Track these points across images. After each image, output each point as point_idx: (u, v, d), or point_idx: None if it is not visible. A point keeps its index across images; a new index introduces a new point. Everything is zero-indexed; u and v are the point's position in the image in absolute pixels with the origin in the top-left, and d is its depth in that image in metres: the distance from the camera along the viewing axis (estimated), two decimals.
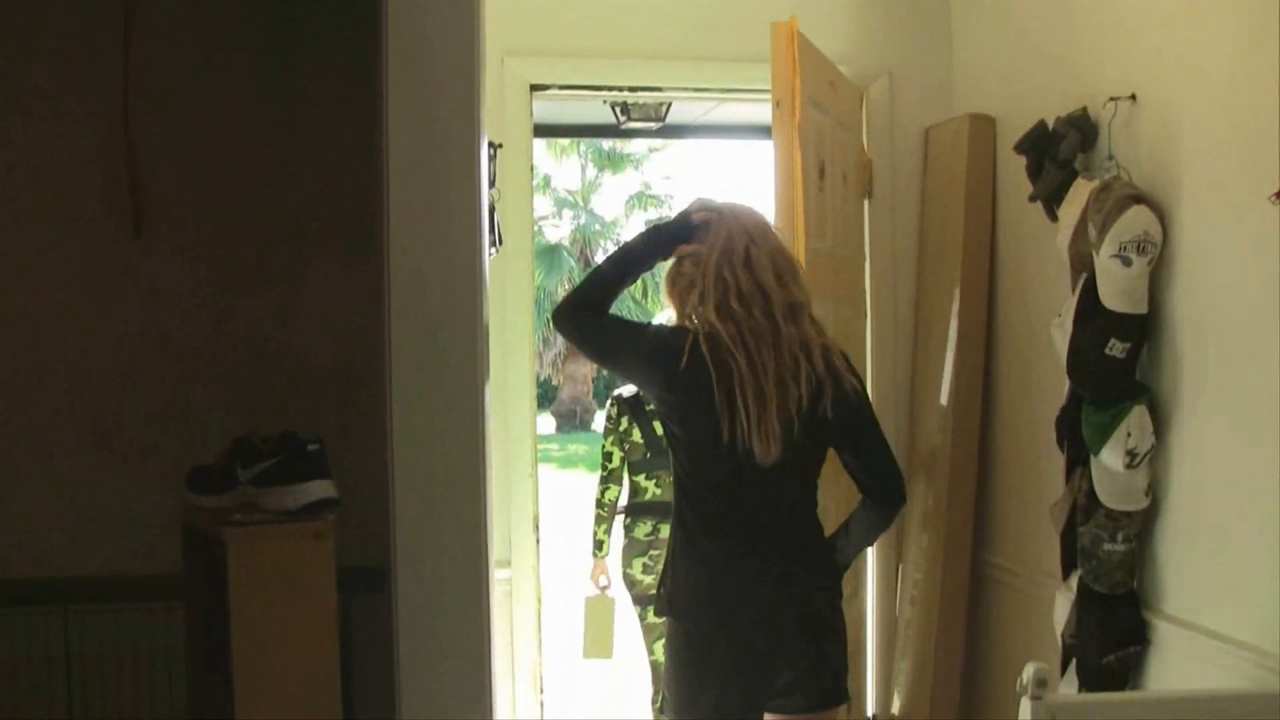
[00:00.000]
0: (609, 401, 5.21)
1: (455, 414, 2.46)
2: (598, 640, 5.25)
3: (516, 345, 4.44)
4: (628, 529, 5.09)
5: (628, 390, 5.00)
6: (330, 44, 3.34)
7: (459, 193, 2.43)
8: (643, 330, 3.22)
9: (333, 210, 3.33)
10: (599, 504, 5.14)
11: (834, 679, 3.09)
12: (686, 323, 3.11)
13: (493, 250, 3.34)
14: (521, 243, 4.43)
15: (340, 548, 2.46)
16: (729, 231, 3.08)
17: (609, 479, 5.11)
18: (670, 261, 3.16)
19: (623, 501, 5.16)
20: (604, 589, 5.22)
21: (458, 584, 2.48)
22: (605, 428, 5.16)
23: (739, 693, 3.03)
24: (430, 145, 2.45)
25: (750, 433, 2.94)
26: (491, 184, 3.26)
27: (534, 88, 4.46)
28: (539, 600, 4.58)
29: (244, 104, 3.40)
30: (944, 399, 4.43)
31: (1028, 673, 2.56)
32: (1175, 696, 3.09)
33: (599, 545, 5.19)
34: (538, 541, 4.46)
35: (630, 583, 5.06)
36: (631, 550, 5.05)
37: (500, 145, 3.41)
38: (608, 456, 5.11)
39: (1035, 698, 2.55)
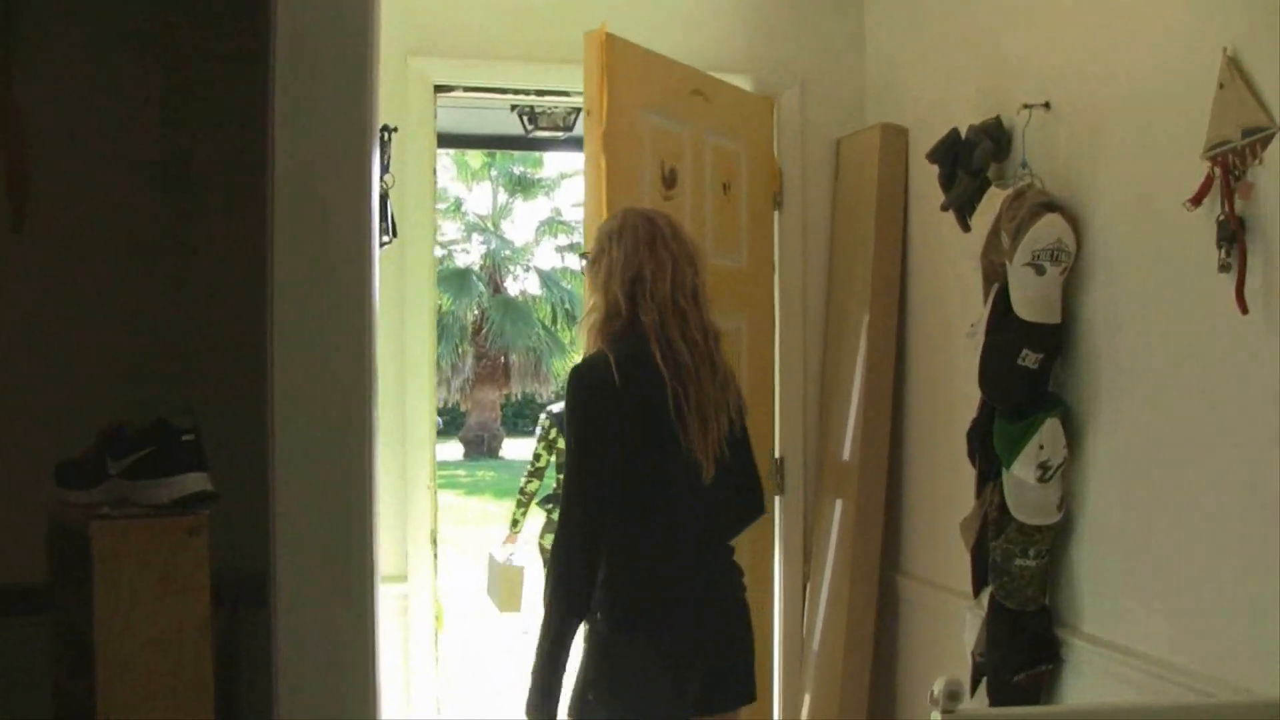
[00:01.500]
0: (543, 414, 6.74)
1: (342, 411, 2.32)
2: (509, 599, 7.08)
3: (416, 358, 4.29)
4: (549, 513, 6.60)
5: (558, 408, 6.02)
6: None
7: (348, 174, 2.30)
8: (600, 413, 3.07)
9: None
10: (521, 491, 6.77)
11: (752, 675, 3.25)
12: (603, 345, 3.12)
13: (385, 240, 3.21)
14: (422, 252, 4.29)
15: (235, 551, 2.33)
16: (674, 257, 3.12)
17: (534, 475, 6.68)
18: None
19: (546, 493, 6.69)
20: (509, 558, 6.97)
21: (341, 594, 2.35)
22: (538, 434, 6.65)
23: (699, 690, 3.10)
24: (319, 122, 2.32)
25: (696, 452, 3.06)
26: (385, 170, 3.14)
27: (438, 88, 4.33)
28: (438, 618, 4.44)
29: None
30: (845, 454, 4.36)
31: (938, 685, 2.46)
32: (1084, 710, 3.02)
33: (514, 523, 6.94)
34: (435, 556, 4.31)
35: (542, 551, 6.62)
36: (547, 528, 6.49)
37: (395, 129, 3.28)
38: (536, 457, 6.63)
39: (946, 711, 2.46)
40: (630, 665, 3.05)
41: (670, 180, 4.09)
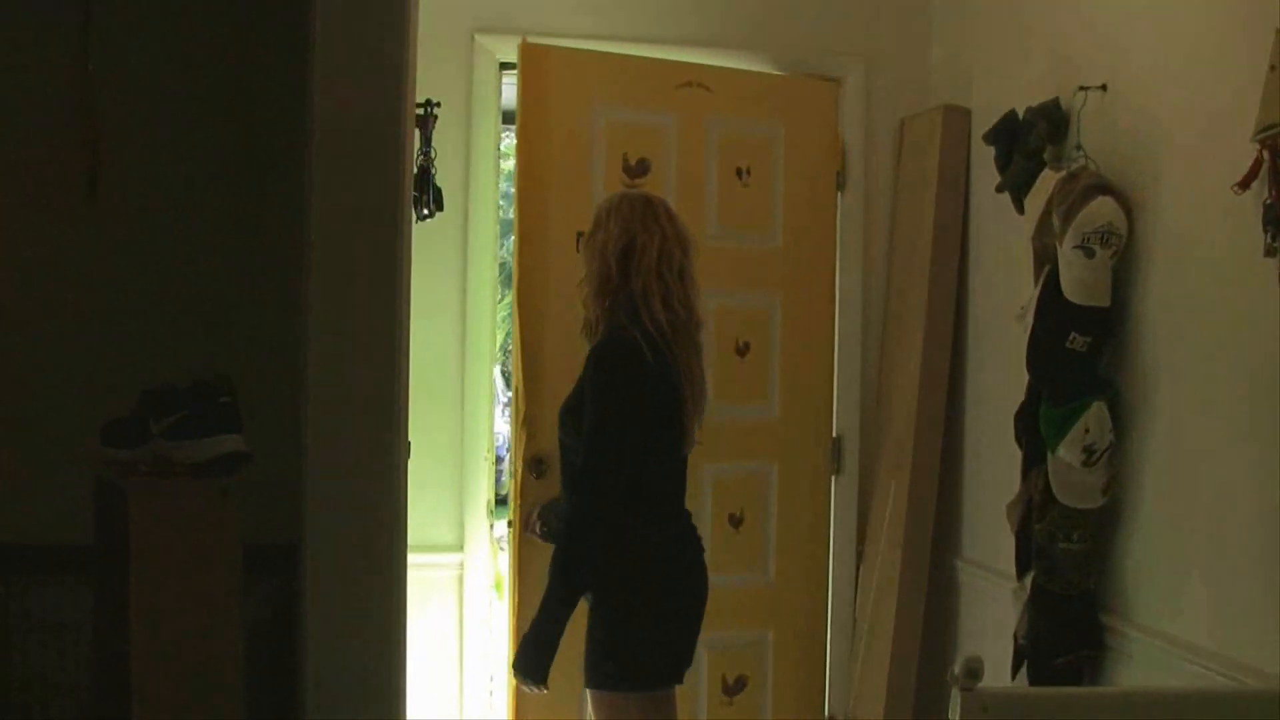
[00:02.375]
0: None
1: (371, 375, 2.40)
2: None
3: (476, 330, 4.34)
4: None
5: None
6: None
7: (382, 142, 2.36)
8: (633, 394, 3.31)
9: None
10: None
11: None
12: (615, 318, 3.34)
13: (427, 213, 3.29)
14: (485, 223, 4.35)
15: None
16: (664, 235, 3.34)
17: None
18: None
19: None
20: None
21: (368, 560, 2.44)
22: None
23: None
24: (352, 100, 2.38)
25: (689, 423, 3.41)
26: (427, 144, 3.21)
27: (503, 66, 4.38)
28: (496, 586, 4.51)
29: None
30: (902, 435, 4.39)
31: (958, 664, 2.48)
32: (1111, 693, 3.03)
33: None
34: (491, 527, 4.37)
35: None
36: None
37: (439, 104, 3.34)
38: None
39: (965, 689, 2.47)
40: (651, 631, 3.25)
41: (638, 169, 4.29)
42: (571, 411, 3.37)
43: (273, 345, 2.71)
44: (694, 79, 4.40)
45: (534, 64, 4.20)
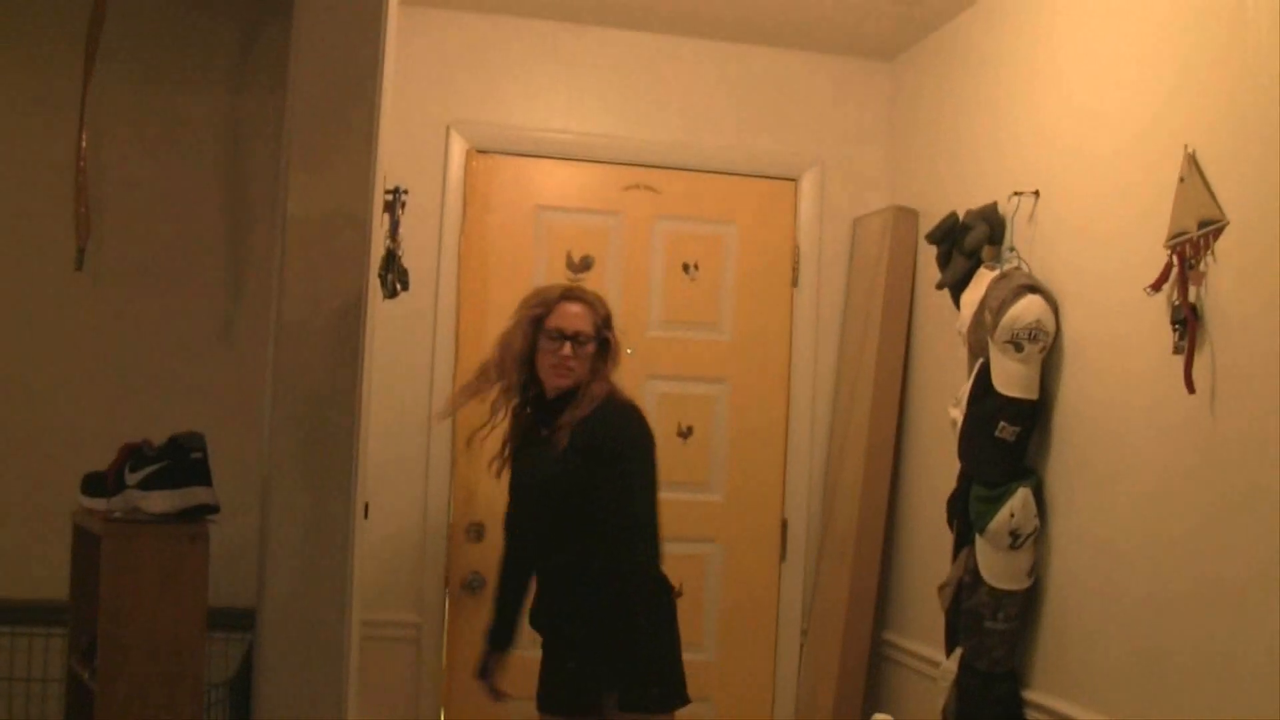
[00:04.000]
0: None
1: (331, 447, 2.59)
2: None
3: (442, 395, 4.54)
4: None
5: None
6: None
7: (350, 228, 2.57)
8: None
9: None
10: None
11: None
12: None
13: (393, 293, 3.50)
14: (450, 302, 4.56)
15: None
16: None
17: None
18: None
19: None
20: None
21: (319, 624, 2.61)
22: None
23: None
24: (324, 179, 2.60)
25: None
26: (396, 229, 3.44)
27: (480, 152, 4.62)
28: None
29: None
30: (846, 521, 4.56)
31: None
32: None
33: None
34: (446, 598, 4.53)
35: None
36: None
37: (406, 191, 3.57)
38: None
39: None
40: (677, 652, 3.66)
41: (581, 265, 4.68)
42: (582, 469, 3.57)
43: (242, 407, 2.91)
44: (641, 182, 4.75)
45: (480, 171, 4.60)
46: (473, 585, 4.50)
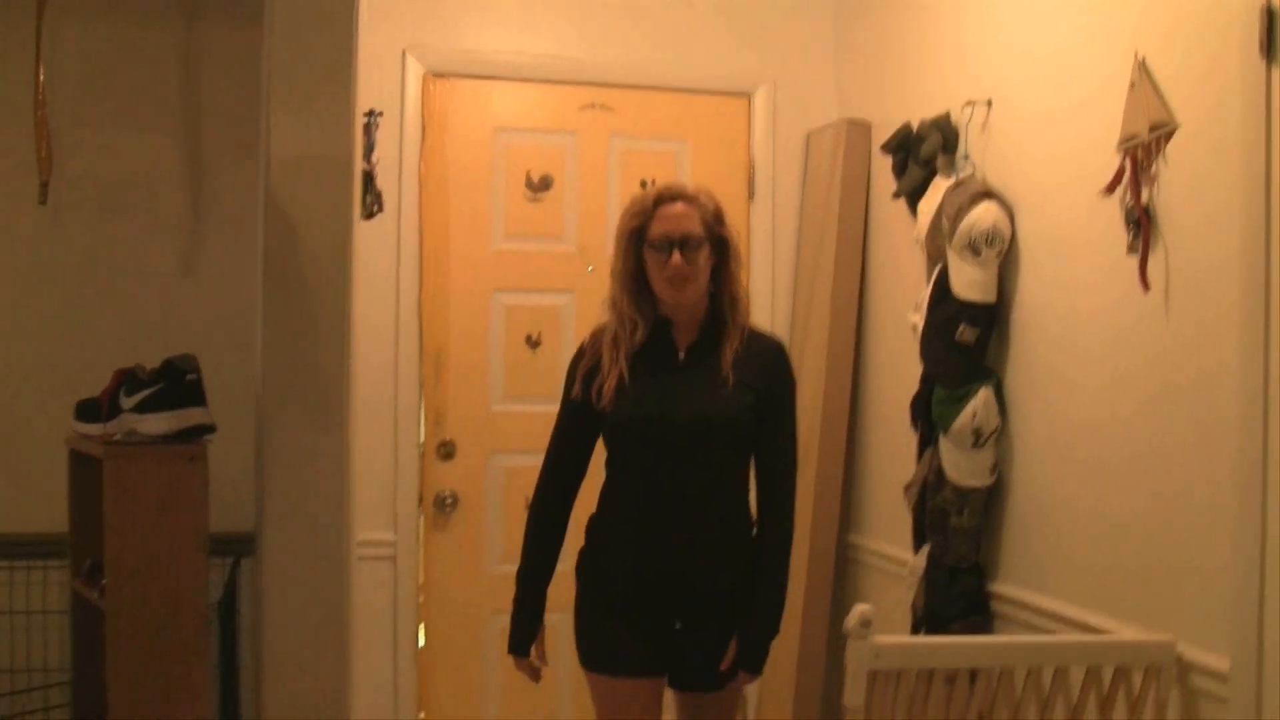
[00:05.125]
0: None
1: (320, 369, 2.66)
2: None
3: (407, 316, 4.59)
4: None
5: None
6: None
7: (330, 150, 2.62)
8: None
9: None
10: None
11: None
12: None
13: (375, 212, 3.54)
14: (413, 224, 4.60)
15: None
16: None
17: None
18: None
19: None
20: None
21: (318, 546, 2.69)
22: None
23: None
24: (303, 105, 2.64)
25: None
26: (371, 151, 3.47)
27: (437, 76, 4.65)
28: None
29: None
30: (809, 426, 4.65)
31: (854, 614, 2.76)
32: (995, 641, 3.34)
33: None
34: (420, 516, 4.61)
35: None
36: None
37: (380, 113, 3.60)
38: None
39: (859, 638, 2.76)
40: None
41: (540, 185, 4.77)
42: (753, 409, 3.15)
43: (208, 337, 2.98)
44: (596, 101, 4.81)
45: (437, 94, 4.62)
46: (445, 503, 4.59)
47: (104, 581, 2.46)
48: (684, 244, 3.09)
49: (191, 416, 2.56)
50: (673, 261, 3.07)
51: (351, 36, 2.73)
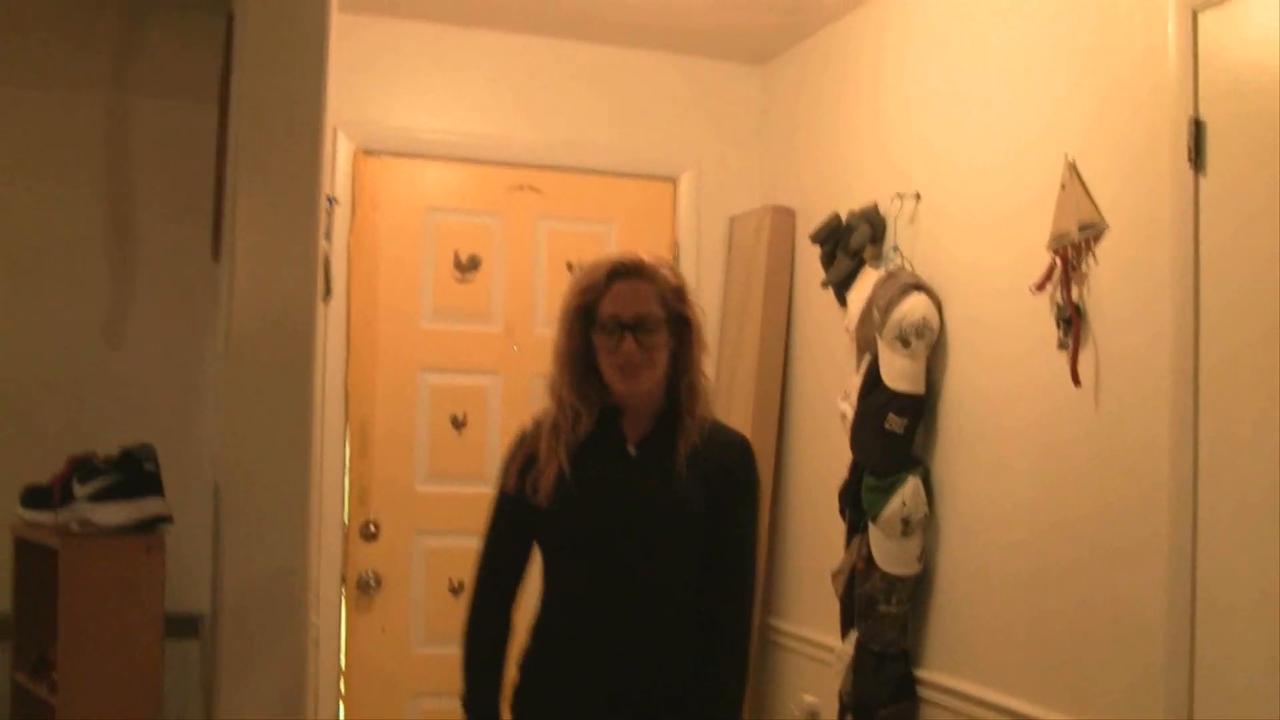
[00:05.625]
0: None
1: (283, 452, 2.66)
2: None
3: (333, 398, 4.59)
4: None
5: None
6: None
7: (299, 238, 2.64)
8: None
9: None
10: None
11: None
12: None
13: (328, 295, 3.54)
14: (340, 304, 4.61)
15: None
16: None
17: None
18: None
19: None
20: None
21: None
22: None
23: None
24: (272, 191, 2.66)
25: None
26: (325, 236, 3.48)
27: (368, 153, 4.67)
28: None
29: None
30: None
31: (802, 704, 2.80)
32: None
33: None
34: (343, 597, 4.58)
35: None
36: None
37: (336, 200, 3.61)
38: None
39: None
40: None
41: (469, 265, 4.82)
42: (706, 504, 2.75)
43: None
44: (525, 182, 4.88)
45: (368, 172, 4.67)
46: (368, 584, 4.56)
47: (54, 675, 2.42)
48: (638, 326, 2.69)
49: (149, 507, 2.54)
50: (624, 348, 2.68)
51: (320, 116, 2.75)
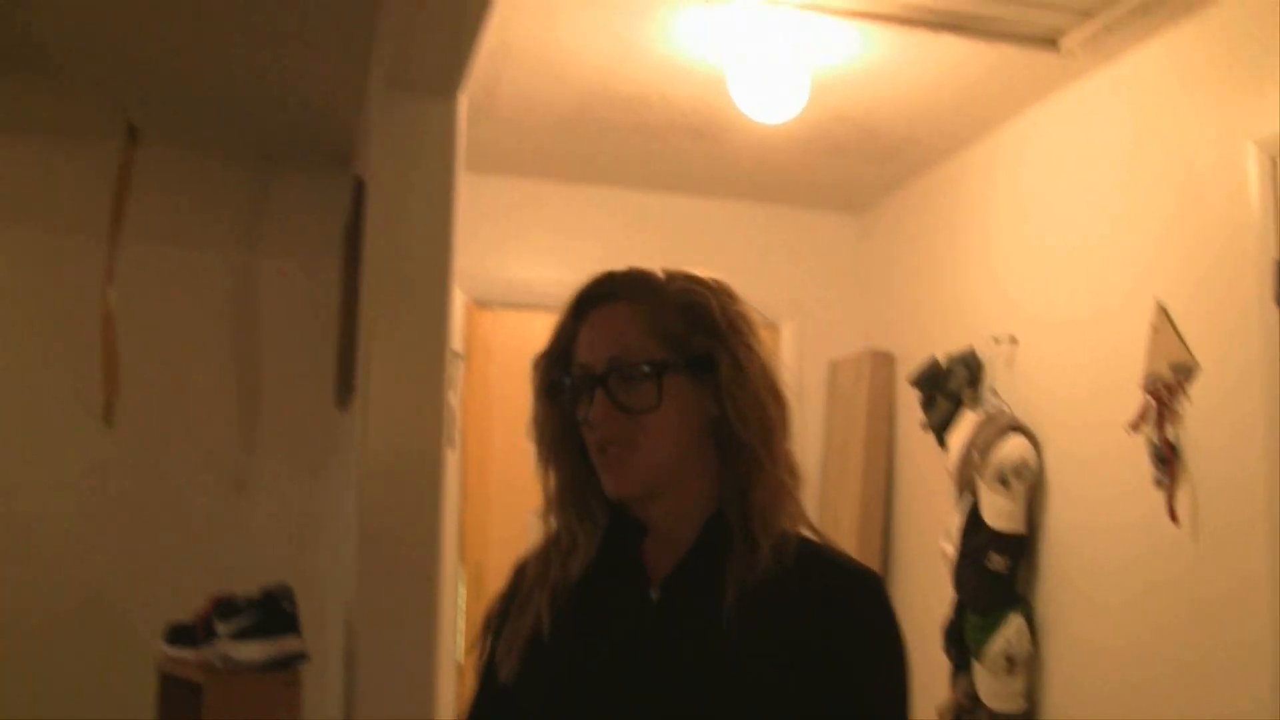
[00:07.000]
0: None
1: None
2: None
3: (449, 533, 4.71)
4: None
5: None
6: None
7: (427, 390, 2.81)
8: None
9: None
10: None
11: None
12: None
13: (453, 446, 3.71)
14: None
15: None
16: None
17: None
18: None
19: None
20: None
21: None
22: None
23: None
24: (402, 346, 2.84)
25: None
26: (450, 388, 3.66)
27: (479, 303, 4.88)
28: None
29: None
30: None
31: None
32: None
33: None
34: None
35: None
36: None
37: (461, 355, 3.80)
38: None
39: None
40: None
41: None
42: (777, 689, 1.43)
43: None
44: None
45: (480, 323, 4.87)
46: None
47: None
48: (608, 375, 1.56)
49: (288, 645, 2.70)
50: (592, 415, 1.56)
51: (447, 276, 2.94)
